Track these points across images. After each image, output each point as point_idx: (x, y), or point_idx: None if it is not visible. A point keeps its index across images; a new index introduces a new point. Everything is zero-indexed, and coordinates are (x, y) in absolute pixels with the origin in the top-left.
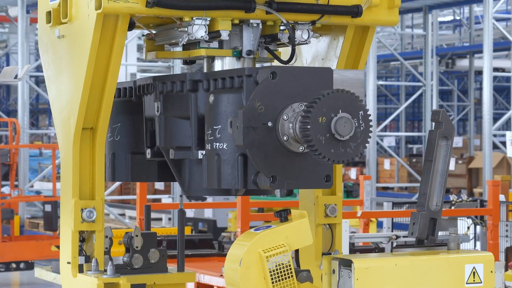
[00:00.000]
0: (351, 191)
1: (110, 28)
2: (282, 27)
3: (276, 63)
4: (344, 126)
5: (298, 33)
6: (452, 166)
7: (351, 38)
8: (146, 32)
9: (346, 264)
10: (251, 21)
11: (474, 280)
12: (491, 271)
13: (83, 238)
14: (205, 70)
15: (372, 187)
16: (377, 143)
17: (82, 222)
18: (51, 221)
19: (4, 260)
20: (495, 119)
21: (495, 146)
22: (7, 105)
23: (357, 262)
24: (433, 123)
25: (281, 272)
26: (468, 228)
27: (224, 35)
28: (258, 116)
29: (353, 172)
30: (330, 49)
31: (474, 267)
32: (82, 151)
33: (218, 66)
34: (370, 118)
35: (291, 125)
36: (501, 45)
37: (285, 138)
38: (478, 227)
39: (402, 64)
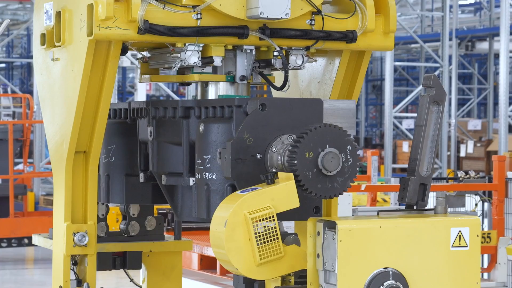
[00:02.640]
0: (366, 171)
1: (102, 53)
2: (275, 53)
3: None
4: (331, 161)
5: (292, 59)
6: (470, 149)
7: (347, 62)
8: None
9: (331, 226)
10: (245, 46)
11: (460, 244)
12: (477, 235)
13: (76, 261)
14: (198, 95)
15: (388, 168)
16: (397, 127)
17: (74, 246)
18: None
19: (17, 235)
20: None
21: None
22: (27, 85)
23: (341, 223)
24: (425, 88)
25: (266, 234)
26: (476, 205)
27: (217, 61)
28: (246, 148)
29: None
30: (326, 72)
31: (460, 231)
32: (74, 175)
33: (211, 90)
34: (358, 152)
35: (279, 157)
36: None
37: (273, 170)
38: (486, 204)
39: (422, 46)
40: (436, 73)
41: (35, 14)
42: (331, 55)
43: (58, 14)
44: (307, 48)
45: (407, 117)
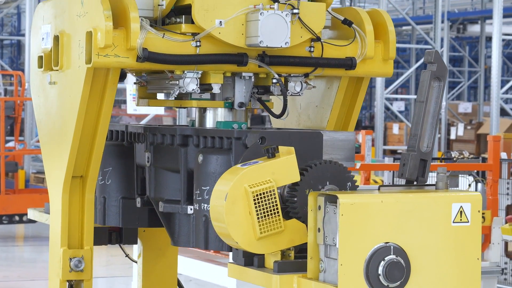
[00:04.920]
0: (357, 152)
1: (100, 80)
2: (274, 80)
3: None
4: None
5: (291, 85)
6: (460, 132)
7: (345, 88)
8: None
9: (332, 200)
10: (244, 74)
11: (461, 220)
12: (479, 211)
13: (71, 285)
14: (196, 120)
15: (378, 149)
16: (388, 109)
17: (70, 271)
18: None
19: (8, 212)
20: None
21: (505, 113)
22: (17, 63)
23: (342, 197)
24: (426, 64)
25: (267, 208)
26: (469, 185)
27: (216, 89)
28: None
29: (361, 136)
30: (324, 97)
31: (461, 206)
32: (71, 199)
33: (209, 116)
34: (357, 188)
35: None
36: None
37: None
38: (479, 185)
39: (414, 29)
40: None
41: (32, 35)
42: (329, 80)
43: (56, 38)
44: (306, 75)
45: (396, 99)
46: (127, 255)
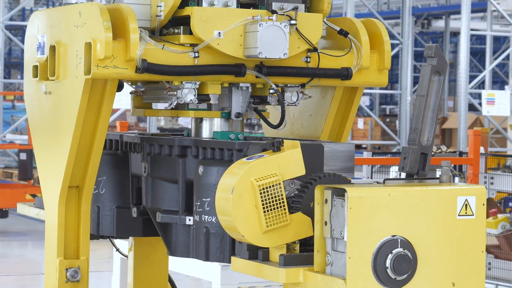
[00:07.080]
0: None
1: (98, 90)
2: (271, 90)
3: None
4: None
5: (287, 95)
6: None
7: (340, 97)
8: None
9: (339, 193)
10: (241, 84)
11: (466, 213)
12: (483, 204)
13: None
14: (192, 130)
15: None
16: None
17: (66, 282)
18: (26, 169)
19: None
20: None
21: (469, 108)
22: None
23: (350, 191)
24: (426, 58)
25: (273, 201)
26: None
27: (214, 99)
28: None
29: None
30: (319, 106)
31: (466, 200)
32: (67, 210)
33: (206, 126)
34: None
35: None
36: (476, 6)
37: None
38: (456, 179)
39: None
40: (396, 50)
41: (26, 44)
42: (324, 89)
43: (52, 48)
44: (303, 85)
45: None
46: (117, 250)
